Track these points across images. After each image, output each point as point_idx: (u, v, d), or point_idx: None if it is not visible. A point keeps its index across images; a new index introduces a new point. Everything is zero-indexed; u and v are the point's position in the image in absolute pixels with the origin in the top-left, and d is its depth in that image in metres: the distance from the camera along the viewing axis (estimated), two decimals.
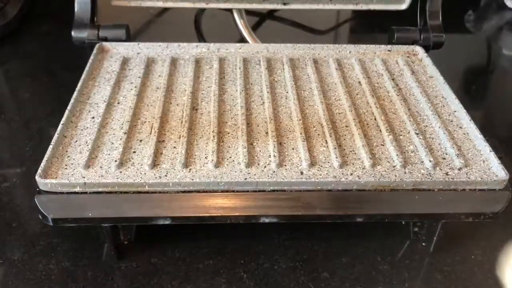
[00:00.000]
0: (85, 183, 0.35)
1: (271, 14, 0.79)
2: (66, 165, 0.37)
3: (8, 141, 0.55)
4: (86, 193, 0.36)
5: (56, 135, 0.39)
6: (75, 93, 0.44)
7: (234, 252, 0.41)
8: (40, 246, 0.41)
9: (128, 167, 0.37)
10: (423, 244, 0.42)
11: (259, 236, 0.43)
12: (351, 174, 0.37)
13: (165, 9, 0.79)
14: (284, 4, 0.59)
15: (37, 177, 0.35)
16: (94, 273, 0.39)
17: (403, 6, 0.60)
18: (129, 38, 0.55)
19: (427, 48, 0.55)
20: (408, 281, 0.40)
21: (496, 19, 0.82)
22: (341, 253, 0.42)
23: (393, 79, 0.50)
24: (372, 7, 0.60)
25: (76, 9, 0.54)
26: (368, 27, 0.79)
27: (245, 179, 0.36)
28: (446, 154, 0.40)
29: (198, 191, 0.36)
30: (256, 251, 0.42)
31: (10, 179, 0.48)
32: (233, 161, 0.38)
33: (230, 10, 0.64)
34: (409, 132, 0.42)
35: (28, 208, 0.45)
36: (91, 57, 0.50)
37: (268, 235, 0.43)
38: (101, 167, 0.37)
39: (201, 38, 0.74)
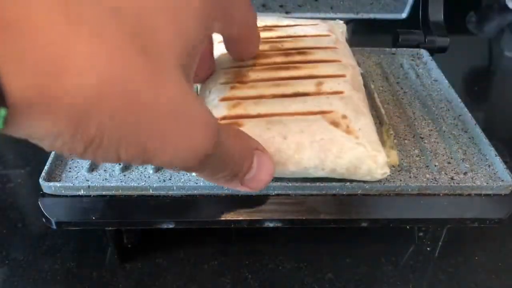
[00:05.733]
0: (89, 186, 0.35)
1: None
2: (70, 168, 0.37)
3: (12, 141, 0.55)
4: (90, 196, 0.36)
5: None
6: None
7: (238, 252, 0.41)
8: (45, 247, 0.41)
9: (132, 171, 0.37)
10: (428, 249, 0.42)
11: (264, 237, 0.43)
12: None
13: None
14: (286, 13, 0.60)
15: (41, 180, 0.35)
16: (99, 273, 0.39)
17: (403, 15, 0.62)
18: None
19: (431, 51, 0.55)
20: (412, 281, 0.40)
21: (498, 21, 0.82)
22: (345, 254, 0.42)
23: (397, 83, 0.50)
24: (373, 16, 0.62)
25: None
26: (370, 29, 0.79)
27: None
28: (451, 158, 0.40)
29: (202, 195, 0.36)
30: (261, 252, 0.42)
31: (15, 179, 0.49)
32: None
33: None
34: (414, 136, 0.42)
35: (32, 209, 0.45)
36: None
37: (272, 236, 0.43)
38: (105, 170, 0.37)
39: None
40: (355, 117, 0.35)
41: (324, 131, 0.34)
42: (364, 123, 0.36)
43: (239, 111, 0.36)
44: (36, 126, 0.18)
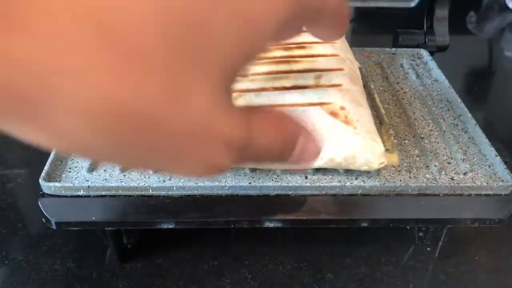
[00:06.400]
0: (89, 186, 0.35)
1: None
2: (70, 168, 0.37)
3: (12, 142, 0.55)
4: (89, 196, 0.36)
5: None
6: None
7: (238, 253, 0.41)
8: (45, 247, 0.41)
9: (132, 171, 0.37)
10: (428, 249, 0.42)
11: (264, 237, 0.43)
12: (356, 178, 0.37)
13: None
14: None
15: (40, 180, 0.35)
16: (99, 273, 0.39)
17: (412, 4, 0.60)
18: None
19: (431, 51, 0.55)
20: (412, 282, 0.40)
21: (498, 21, 0.82)
22: (345, 254, 0.42)
23: (397, 83, 0.50)
24: (381, 4, 0.60)
25: None
26: (370, 29, 0.79)
27: (250, 183, 0.36)
28: (452, 158, 0.40)
29: (202, 195, 0.36)
30: (261, 252, 0.42)
31: (15, 179, 0.49)
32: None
33: None
34: (414, 136, 0.42)
35: (32, 209, 0.45)
36: None
37: (272, 236, 0.43)
38: (105, 171, 0.37)
39: None
40: (353, 108, 0.36)
41: (323, 121, 0.35)
42: (362, 114, 0.36)
43: (239, 103, 0.37)
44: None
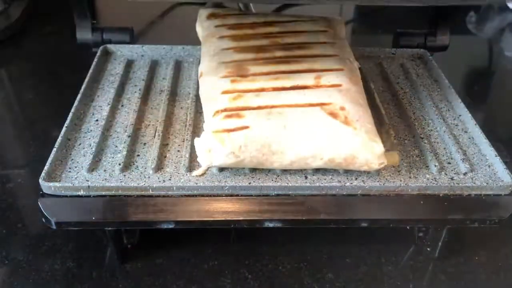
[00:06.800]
0: (89, 186, 0.35)
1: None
2: (69, 168, 0.37)
3: (12, 142, 0.55)
4: (89, 196, 0.36)
5: (59, 138, 0.39)
6: (79, 96, 0.44)
7: (238, 252, 0.42)
8: (45, 247, 0.42)
9: (132, 171, 0.37)
10: (428, 249, 0.42)
11: (264, 237, 0.43)
12: (356, 178, 0.37)
13: (170, 11, 0.79)
14: None
15: (40, 180, 0.35)
16: (99, 273, 0.39)
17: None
18: (133, 40, 0.55)
19: (431, 51, 0.55)
20: (412, 281, 0.40)
21: (498, 21, 0.82)
22: (345, 254, 0.42)
23: (397, 83, 0.50)
24: (396, 3, 0.59)
25: (75, 12, 0.54)
26: (370, 29, 0.79)
27: (250, 183, 0.36)
28: (451, 158, 0.40)
29: (202, 195, 0.36)
30: (261, 252, 0.42)
31: (15, 179, 0.49)
32: None
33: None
34: (414, 136, 0.42)
35: (32, 209, 0.45)
36: (95, 60, 0.50)
37: (272, 236, 0.43)
38: (105, 171, 0.37)
39: None
40: (353, 109, 0.36)
41: (323, 122, 0.35)
42: (362, 115, 0.37)
43: (239, 103, 0.37)
44: None
